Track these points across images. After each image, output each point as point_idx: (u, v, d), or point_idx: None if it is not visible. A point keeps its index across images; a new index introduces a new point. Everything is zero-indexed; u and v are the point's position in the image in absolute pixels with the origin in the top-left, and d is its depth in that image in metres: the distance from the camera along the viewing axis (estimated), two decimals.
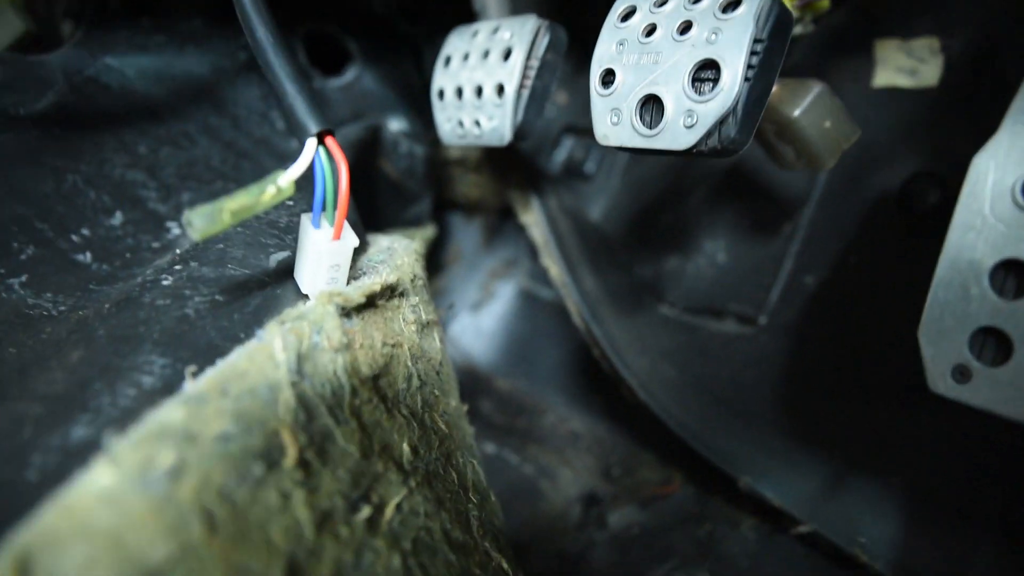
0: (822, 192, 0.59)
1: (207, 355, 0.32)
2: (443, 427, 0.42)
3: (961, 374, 0.36)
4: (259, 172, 0.54)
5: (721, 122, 0.39)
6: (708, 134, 0.39)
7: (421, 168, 0.62)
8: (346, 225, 0.37)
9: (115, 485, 0.24)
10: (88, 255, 0.42)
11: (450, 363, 0.47)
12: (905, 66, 0.57)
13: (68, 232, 0.42)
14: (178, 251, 0.43)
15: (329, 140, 0.36)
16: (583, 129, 0.76)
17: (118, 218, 0.45)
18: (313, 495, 0.30)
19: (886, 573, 0.45)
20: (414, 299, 0.41)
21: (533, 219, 0.58)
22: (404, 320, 0.40)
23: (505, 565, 0.41)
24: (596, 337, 0.55)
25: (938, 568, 0.45)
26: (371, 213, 0.61)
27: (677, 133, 0.40)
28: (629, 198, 0.71)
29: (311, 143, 0.36)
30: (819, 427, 0.53)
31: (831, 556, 0.50)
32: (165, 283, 0.38)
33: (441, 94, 0.53)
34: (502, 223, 0.81)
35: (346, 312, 0.35)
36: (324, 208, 0.36)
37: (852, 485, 0.50)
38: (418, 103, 0.61)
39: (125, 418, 0.28)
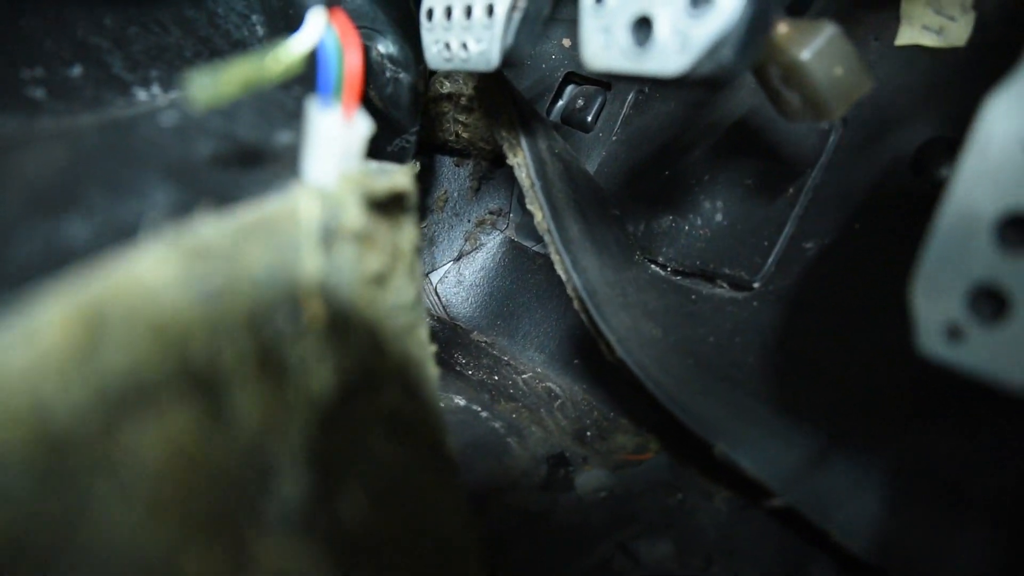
0: (830, 154, 0.56)
1: (220, 199, 0.30)
2: (417, 354, 0.39)
3: (953, 334, 0.33)
4: None
5: (717, 46, 0.35)
6: (702, 58, 0.36)
7: (406, 97, 0.58)
8: (359, 110, 0.33)
9: (175, 276, 0.23)
10: (42, 92, 0.39)
11: (424, 298, 0.45)
12: (932, 24, 0.53)
13: (18, 66, 0.39)
14: (166, 95, 0.40)
15: (338, 12, 0.33)
16: (587, 78, 0.72)
17: (77, 70, 0.42)
18: (329, 371, 0.29)
19: (861, 555, 0.42)
20: (413, 217, 0.39)
21: (521, 160, 0.55)
22: (405, 235, 0.37)
23: (462, 500, 0.39)
24: (576, 287, 0.52)
25: (917, 553, 0.42)
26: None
27: (668, 56, 0.37)
28: (627, 150, 0.67)
29: (318, 11, 0.32)
30: (807, 398, 0.50)
31: (805, 534, 0.47)
32: (165, 121, 0.35)
33: (430, 14, 0.50)
34: (493, 171, 0.77)
35: (367, 204, 0.33)
36: (333, 89, 0.33)
37: (835, 460, 0.46)
38: (411, 29, 0.57)
39: (134, 230, 0.26)
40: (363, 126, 0.33)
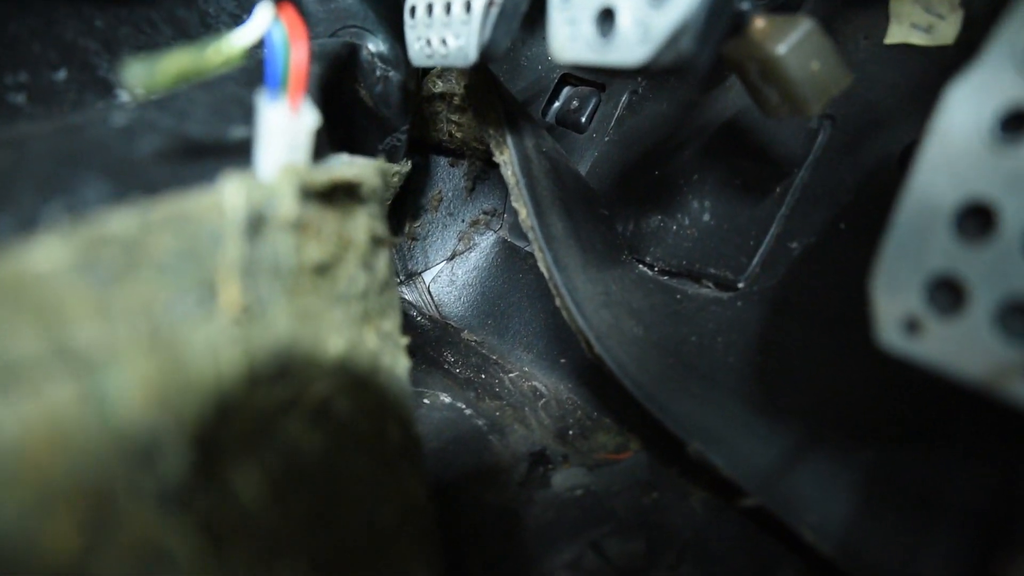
0: (818, 153, 0.55)
1: (152, 191, 0.31)
2: (375, 343, 0.39)
3: (911, 327, 0.32)
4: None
5: (676, 35, 0.35)
6: (663, 48, 0.36)
7: (396, 95, 0.59)
8: (306, 102, 0.34)
9: (65, 262, 0.24)
10: (23, 97, 0.40)
11: (396, 291, 0.45)
12: (921, 22, 0.53)
13: (2, 71, 0.41)
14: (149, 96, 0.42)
15: (286, 6, 0.34)
16: (581, 80, 0.72)
17: (62, 74, 0.43)
18: (239, 355, 0.29)
19: (833, 555, 0.42)
20: (371, 209, 0.39)
21: (507, 158, 0.55)
22: (358, 226, 0.37)
23: (418, 491, 0.39)
24: (557, 283, 0.52)
25: (888, 556, 0.41)
26: (346, 140, 0.59)
27: (630, 46, 0.37)
28: (619, 151, 0.67)
29: (265, 5, 0.33)
30: (786, 398, 0.49)
31: (779, 535, 0.46)
32: (117, 121, 0.36)
33: (413, 11, 0.51)
34: (487, 172, 0.78)
35: (305, 194, 0.33)
36: (280, 82, 0.33)
37: (811, 461, 0.46)
38: (401, 28, 0.58)
39: (54, 224, 0.28)
40: (309, 119, 0.33)
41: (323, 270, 0.34)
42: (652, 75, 0.37)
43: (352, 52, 0.57)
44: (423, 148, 0.75)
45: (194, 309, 0.27)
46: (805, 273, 0.53)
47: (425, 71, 0.66)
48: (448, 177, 0.77)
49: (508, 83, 0.75)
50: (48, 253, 0.24)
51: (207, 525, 0.25)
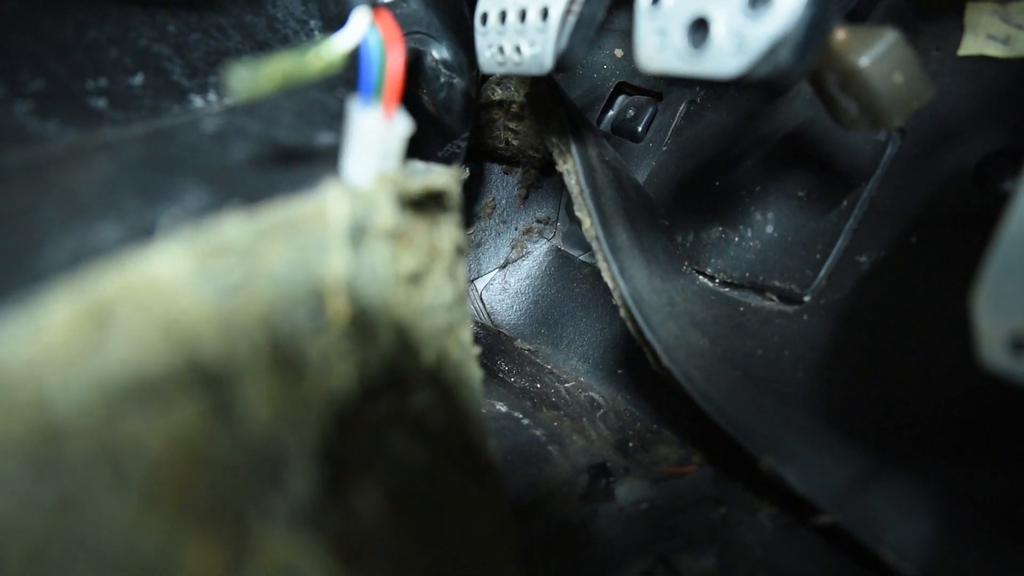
0: (887, 166, 0.54)
1: (251, 199, 0.31)
2: (457, 354, 0.39)
3: (1018, 346, 0.32)
4: None
5: (775, 47, 0.35)
6: (758, 60, 0.35)
7: (459, 102, 0.59)
8: (399, 110, 0.34)
9: (188, 273, 0.24)
10: (104, 102, 0.40)
11: (467, 299, 0.45)
12: (998, 33, 0.52)
13: (84, 77, 0.41)
14: (221, 101, 0.41)
15: (382, 12, 0.33)
16: (638, 88, 0.72)
17: (139, 79, 0.43)
18: (350, 369, 0.29)
19: None
20: (455, 218, 0.39)
21: (571, 167, 0.55)
22: (444, 235, 0.37)
23: (503, 506, 0.38)
24: (623, 295, 0.52)
25: None
26: (407, 147, 0.59)
27: (724, 57, 0.36)
28: (677, 161, 0.67)
29: (363, 11, 0.32)
30: (858, 414, 0.49)
31: (854, 554, 0.45)
32: (206, 128, 0.36)
33: (484, 18, 0.50)
34: (541, 180, 0.77)
35: (401, 202, 0.33)
36: (374, 89, 0.33)
37: (887, 479, 0.45)
38: (464, 35, 0.58)
39: (162, 231, 0.27)
40: (403, 126, 0.33)
41: (415, 280, 0.34)
42: (746, 89, 0.37)
43: (416, 58, 0.57)
44: (477, 155, 0.75)
45: (307, 321, 0.27)
46: (876, 287, 0.52)
47: (484, 78, 0.66)
48: (501, 185, 0.77)
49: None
50: (170, 261, 0.24)
51: (336, 546, 0.25)
